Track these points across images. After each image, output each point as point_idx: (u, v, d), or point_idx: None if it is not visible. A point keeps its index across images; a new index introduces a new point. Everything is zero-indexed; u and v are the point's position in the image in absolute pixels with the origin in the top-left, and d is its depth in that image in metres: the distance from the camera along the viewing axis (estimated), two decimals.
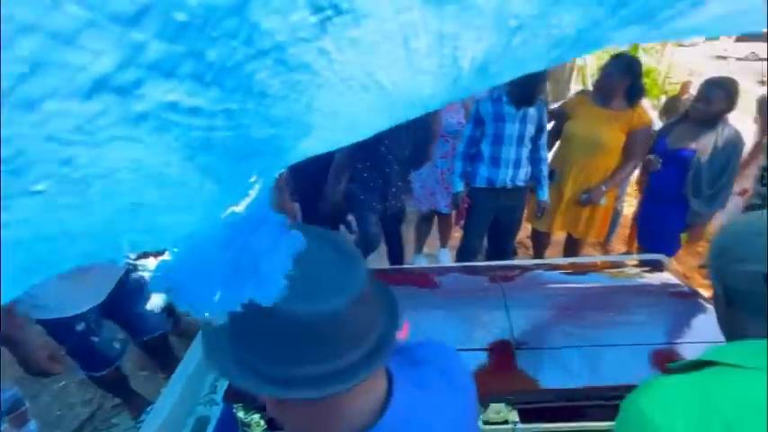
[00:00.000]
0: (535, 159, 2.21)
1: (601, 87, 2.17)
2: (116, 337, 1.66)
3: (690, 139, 2.05)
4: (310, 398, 0.42)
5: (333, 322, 0.42)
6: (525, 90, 1.99)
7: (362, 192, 2.19)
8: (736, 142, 2.03)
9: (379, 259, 2.87)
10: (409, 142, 2.13)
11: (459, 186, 2.25)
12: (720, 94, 1.93)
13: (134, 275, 1.60)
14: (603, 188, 2.23)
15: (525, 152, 2.17)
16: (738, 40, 15.19)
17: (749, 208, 2.24)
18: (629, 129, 2.14)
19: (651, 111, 3.02)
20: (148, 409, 1.46)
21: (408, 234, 2.84)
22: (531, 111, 2.10)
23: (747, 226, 0.61)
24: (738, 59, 14.10)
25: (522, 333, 1.25)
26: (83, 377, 1.76)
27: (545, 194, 2.27)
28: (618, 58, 2.17)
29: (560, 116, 2.38)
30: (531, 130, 2.13)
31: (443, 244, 3.00)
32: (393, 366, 0.52)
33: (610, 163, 2.25)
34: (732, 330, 0.62)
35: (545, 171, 2.24)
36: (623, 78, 2.10)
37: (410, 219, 2.87)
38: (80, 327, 1.46)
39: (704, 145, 2.01)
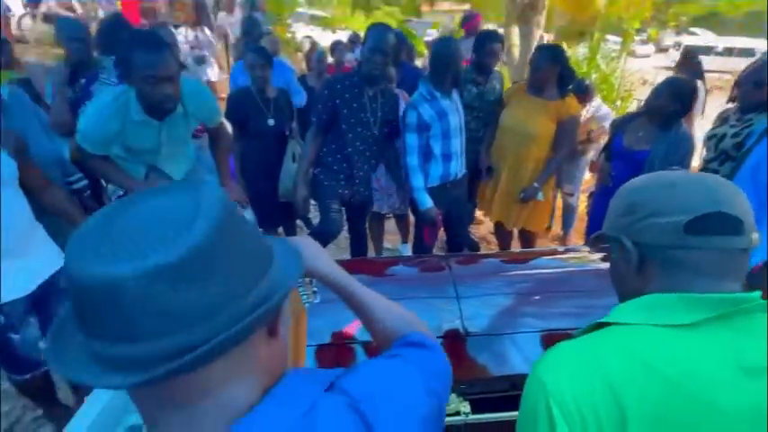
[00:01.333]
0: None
1: (531, 78, 2.21)
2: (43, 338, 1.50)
3: (645, 141, 2.11)
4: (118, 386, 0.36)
5: (126, 290, 0.33)
6: (447, 73, 2.01)
7: (327, 177, 2.15)
8: (687, 144, 2.12)
9: (341, 253, 2.82)
10: (377, 126, 2.10)
11: (429, 202, 2.13)
12: (677, 94, 2.01)
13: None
14: (536, 185, 2.28)
15: (464, 141, 2.21)
16: None
17: None
18: (558, 119, 2.19)
19: (609, 112, 3.16)
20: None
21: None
22: (455, 96, 2.15)
23: (656, 180, 0.60)
24: None
25: (472, 321, 1.23)
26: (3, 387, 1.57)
27: None
28: (543, 49, 2.23)
29: (501, 106, 2.41)
30: (461, 116, 2.17)
31: (405, 239, 2.99)
32: (296, 379, 0.43)
33: (541, 153, 2.29)
34: (633, 289, 0.60)
35: None
36: (551, 67, 2.16)
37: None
38: None
39: (659, 146, 2.07)
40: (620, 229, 0.61)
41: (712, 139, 2.21)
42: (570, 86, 2.28)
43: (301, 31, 10.63)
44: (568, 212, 3.32)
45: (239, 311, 0.37)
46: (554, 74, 2.16)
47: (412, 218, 2.55)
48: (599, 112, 3.08)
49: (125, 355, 0.35)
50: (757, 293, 0.53)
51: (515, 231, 2.69)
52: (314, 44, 6.82)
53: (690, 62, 3.61)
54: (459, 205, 2.36)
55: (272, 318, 0.42)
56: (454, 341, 1.17)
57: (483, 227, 3.48)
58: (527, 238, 2.60)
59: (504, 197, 2.40)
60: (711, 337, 0.52)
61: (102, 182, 2.05)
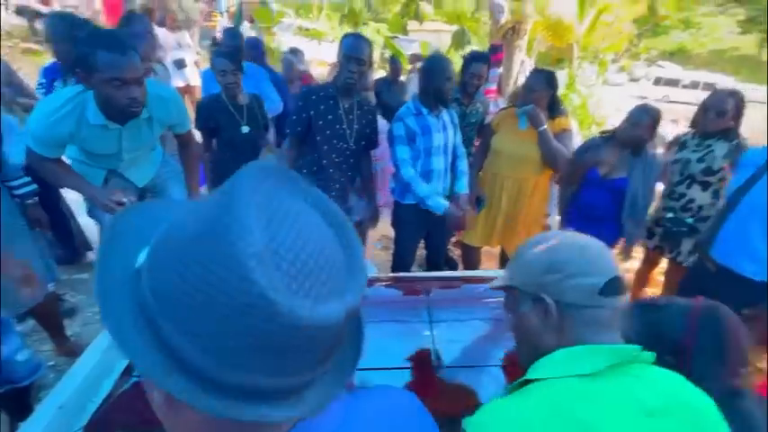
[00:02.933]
0: (456, 156, 2.23)
1: (526, 100, 2.23)
2: None
3: (623, 168, 2.12)
4: (263, 420, 0.33)
5: (326, 330, 0.34)
6: (437, 93, 2.00)
7: None
8: (660, 168, 2.19)
9: None
10: (353, 138, 2.05)
11: (444, 205, 2.06)
12: (647, 120, 2.05)
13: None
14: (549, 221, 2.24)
15: (449, 161, 2.18)
16: (655, 83, 17.21)
17: (661, 221, 2.38)
18: (553, 133, 2.19)
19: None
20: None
21: None
22: (445, 115, 2.13)
23: (570, 241, 0.67)
24: (655, 101, 15.91)
25: (445, 347, 1.16)
26: None
27: (464, 187, 2.24)
28: (539, 73, 2.26)
29: (487, 132, 2.42)
30: (452, 135, 2.15)
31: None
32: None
33: (539, 175, 2.31)
34: (544, 344, 0.65)
35: (461, 166, 2.24)
36: (545, 91, 2.19)
37: None
38: None
39: (636, 173, 2.09)
40: (542, 286, 0.65)
41: (676, 164, 2.28)
42: (559, 110, 2.30)
43: (289, 41, 10.62)
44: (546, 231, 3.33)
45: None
46: (547, 98, 2.19)
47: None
48: None
49: (280, 387, 0.34)
50: (637, 347, 0.62)
51: (483, 250, 2.66)
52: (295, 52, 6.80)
53: None
54: (439, 225, 2.30)
55: None
56: (424, 368, 1.10)
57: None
58: (508, 259, 2.57)
59: (506, 222, 2.36)
60: (615, 383, 0.58)
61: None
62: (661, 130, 4.63)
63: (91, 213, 1.87)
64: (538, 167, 2.28)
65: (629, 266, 3.42)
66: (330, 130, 2.00)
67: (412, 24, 14.46)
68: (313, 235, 0.33)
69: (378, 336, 1.21)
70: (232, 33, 3.34)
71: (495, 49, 4.73)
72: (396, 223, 2.32)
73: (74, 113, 1.41)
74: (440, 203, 2.05)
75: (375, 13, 12.81)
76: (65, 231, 2.49)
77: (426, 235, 2.36)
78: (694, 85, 16.36)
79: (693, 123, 2.27)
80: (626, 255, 2.41)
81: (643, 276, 2.65)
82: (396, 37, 12.53)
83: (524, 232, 2.42)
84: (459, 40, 10.04)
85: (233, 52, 2.41)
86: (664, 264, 2.57)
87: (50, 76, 2.12)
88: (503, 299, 0.74)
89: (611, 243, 2.34)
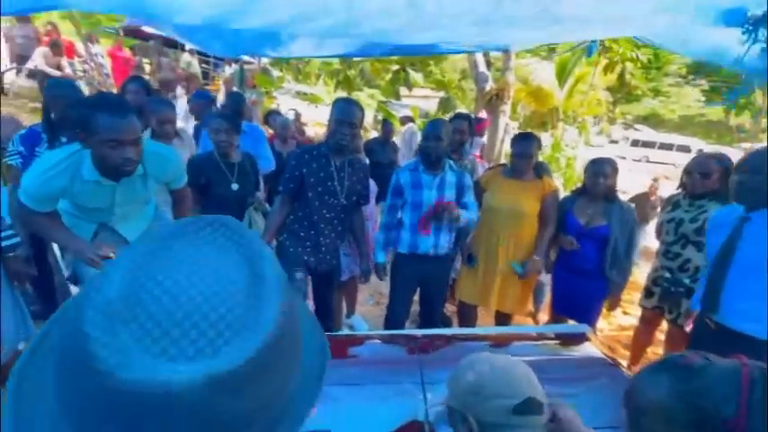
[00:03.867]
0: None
1: (515, 162, 2.33)
2: None
3: (602, 217, 2.21)
4: None
5: (180, 401, 0.26)
6: (434, 156, 2.13)
7: (292, 244, 2.06)
8: (631, 214, 2.28)
9: None
10: (344, 194, 2.08)
11: (382, 257, 2.26)
12: (611, 170, 2.22)
13: None
14: (537, 257, 2.28)
15: (446, 219, 2.20)
16: (633, 145, 18.22)
17: (659, 281, 2.38)
18: (541, 196, 2.31)
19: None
20: None
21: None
22: (449, 176, 2.20)
23: (489, 362, 0.74)
24: (634, 161, 16.71)
25: (438, 412, 1.08)
26: None
27: (473, 214, 2.26)
28: (528, 137, 2.39)
29: (477, 190, 2.50)
30: (450, 195, 2.19)
31: (351, 310, 2.83)
32: None
33: (533, 230, 2.35)
34: None
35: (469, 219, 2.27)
36: (535, 153, 2.32)
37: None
38: None
39: (614, 220, 2.18)
40: (467, 407, 0.72)
41: (670, 223, 2.32)
42: (544, 169, 2.44)
43: (287, 104, 11.23)
44: (539, 288, 3.30)
45: (268, 424, 0.31)
46: (535, 159, 2.34)
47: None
48: None
49: None
50: None
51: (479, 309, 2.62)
52: (296, 113, 7.17)
53: None
54: (434, 283, 2.30)
55: None
56: None
57: (455, 301, 3.38)
58: (504, 316, 2.52)
59: (504, 279, 2.35)
60: None
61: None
62: (661, 193, 4.90)
63: (71, 279, 1.83)
64: (532, 221, 2.32)
65: (625, 323, 3.36)
66: (321, 186, 2.04)
67: (403, 91, 15.51)
68: (197, 289, 0.28)
69: (363, 399, 1.13)
70: (234, 95, 3.54)
71: (479, 120, 5.13)
72: (389, 274, 2.31)
73: (68, 170, 1.43)
74: (378, 254, 2.28)
75: (369, 80, 13.76)
76: (46, 286, 2.40)
77: (421, 288, 2.32)
78: (668, 147, 17.37)
79: (682, 185, 2.36)
80: (612, 305, 2.38)
81: (643, 337, 2.57)
82: (388, 102, 13.36)
83: (520, 289, 2.40)
84: (446, 105, 10.76)
85: (230, 113, 2.51)
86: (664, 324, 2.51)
87: (29, 143, 2.13)
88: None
89: (600, 298, 2.32)
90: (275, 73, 10.80)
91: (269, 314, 0.29)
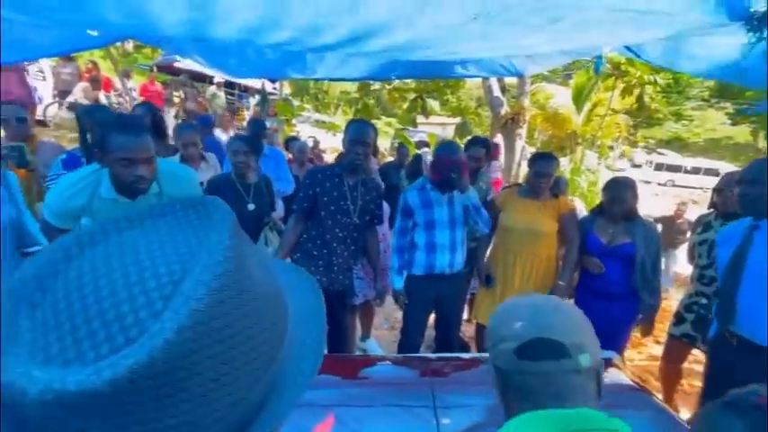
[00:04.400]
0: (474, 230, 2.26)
1: (533, 182, 2.30)
2: None
3: (625, 235, 2.12)
4: None
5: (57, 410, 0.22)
6: (440, 171, 2.09)
7: (305, 262, 2.05)
8: (655, 231, 2.18)
9: None
10: (356, 213, 2.08)
11: (399, 283, 2.15)
12: (629, 193, 2.13)
13: None
14: (562, 283, 2.21)
15: (460, 236, 2.17)
16: (657, 169, 17.78)
17: (693, 307, 2.24)
18: (558, 215, 2.25)
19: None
20: None
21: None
22: (457, 194, 2.17)
23: (502, 308, 0.67)
24: (659, 185, 16.25)
25: None
26: None
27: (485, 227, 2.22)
28: (546, 157, 2.35)
29: (493, 209, 2.47)
30: (459, 211, 2.17)
31: (367, 334, 2.76)
32: None
33: (551, 250, 2.29)
34: (507, 410, 0.62)
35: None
36: (552, 174, 2.29)
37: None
38: None
39: (638, 238, 2.10)
40: (490, 356, 0.66)
41: (703, 245, 2.20)
42: (560, 189, 2.40)
43: (307, 132, 11.60)
44: None
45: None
46: (553, 178, 2.32)
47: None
48: None
49: None
50: (596, 411, 0.56)
51: None
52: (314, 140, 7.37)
53: None
54: (450, 302, 2.23)
55: None
56: None
57: (472, 326, 3.27)
58: None
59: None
60: None
61: None
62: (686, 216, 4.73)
63: None
64: (550, 241, 2.27)
65: (657, 353, 3.14)
66: (334, 205, 2.04)
67: (420, 118, 15.80)
68: (105, 284, 0.24)
69: (373, 421, 1.08)
70: (255, 121, 3.68)
71: (495, 145, 5.27)
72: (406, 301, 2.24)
73: (87, 189, 1.50)
74: (395, 281, 2.16)
75: (386, 108, 14.11)
76: None
77: (437, 308, 2.25)
78: (696, 171, 16.85)
79: (713, 205, 2.26)
80: (646, 330, 2.23)
81: (669, 370, 2.35)
82: (405, 129, 13.62)
83: None
84: (462, 130, 10.88)
85: (250, 136, 2.60)
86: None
87: (70, 166, 2.25)
88: None
89: (628, 322, 2.19)
90: (296, 103, 11.23)
91: (169, 323, 0.22)
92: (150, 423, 0.22)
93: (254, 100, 11.31)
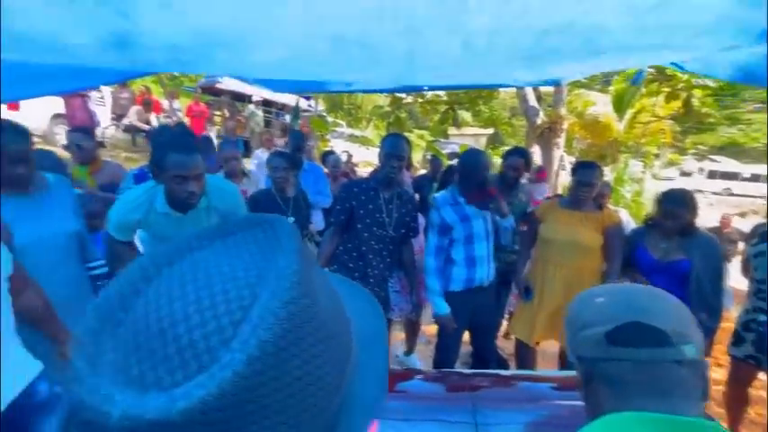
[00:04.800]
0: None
1: (576, 192, 2.21)
2: None
3: (680, 251, 1.98)
4: None
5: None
6: (472, 181, 2.05)
7: (341, 274, 2.08)
8: (716, 247, 2.00)
9: None
10: (392, 226, 2.10)
11: (445, 307, 2.04)
12: (684, 210, 1.95)
13: (44, 386, 1.19)
14: None
15: (492, 246, 2.16)
16: (710, 177, 16.57)
17: (751, 325, 2.04)
18: (603, 228, 2.14)
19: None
20: None
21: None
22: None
23: (590, 292, 0.61)
24: (714, 194, 15.13)
25: None
26: None
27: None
28: (589, 166, 2.27)
29: (533, 221, 2.39)
30: (490, 225, 2.16)
31: (411, 349, 2.73)
32: None
33: (595, 264, 2.18)
34: (593, 407, 0.56)
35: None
36: (596, 184, 2.20)
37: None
38: None
39: (694, 254, 1.94)
40: (568, 343, 0.60)
41: (759, 257, 2.02)
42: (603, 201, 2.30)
43: (340, 146, 11.88)
44: None
45: None
46: (597, 190, 2.22)
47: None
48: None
49: None
50: (715, 423, 0.49)
51: (540, 348, 2.43)
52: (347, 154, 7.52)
53: None
54: (486, 314, 2.18)
55: None
56: None
57: (511, 343, 3.15)
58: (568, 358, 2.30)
59: (558, 314, 2.18)
60: None
61: None
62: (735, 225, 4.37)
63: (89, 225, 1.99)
64: (593, 255, 2.16)
65: (718, 377, 2.88)
66: (370, 218, 2.07)
67: (452, 130, 15.73)
68: (179, 310, 0.24)
69: None
70: (295, 133, 3.82)
71: (540, 169, 5.19)
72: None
73: (144, 204, 1.63)
74: (440, 306, 2.05)
75: (418, 121, 14.18)
76: None
77: (471, 326, 2.20)
78: (755, 178, 15.55)
79: None
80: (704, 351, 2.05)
81: (736, 395, 2.15)
82: (437, 141, 13.59)
83: None
84: (494, 141, 10.73)
85: (291, 149, 2.70)
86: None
87: (141, 181, 2.44)
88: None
89: None
90: (329, 119, 11.55)
91: (238, 354, 0.23)
92: None
93: (289, 116, 11.74)
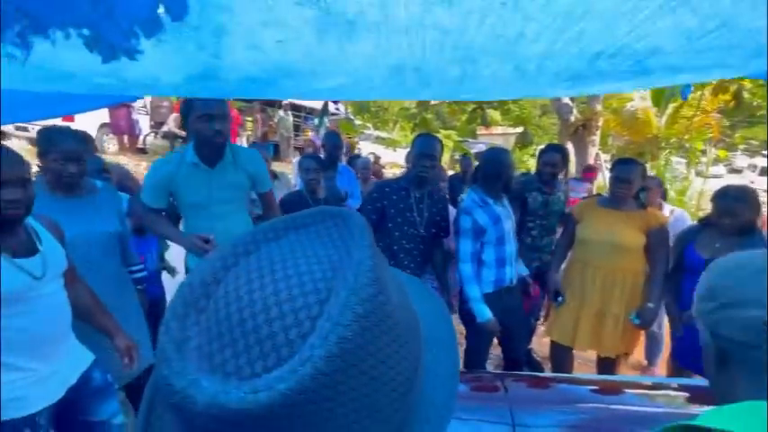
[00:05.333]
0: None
1: (616, 190, 2.12)
2: None
3: (727, 251, 1.85)
4: None
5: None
6: (498, 180, 2.03)
7: None
8: None
9: None
10: (423, 225, 2.10)
11: (488, 314, 1.97)
12: (743, 207, 1.82)
13: (97, 374, 1.28)
14: (651, 305, 2.01)
15: (515, 246, 2.14)
16: (763, 174, 15.40)
17: None
18: (647, 229, 2.04)
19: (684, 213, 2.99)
20: None
21: None
22: (506, 202, 2.14)
23: (745, 263, 0.51)
24: (766, 191, 14.05)
25: None
26: None
27: (524, 269, 2.25)
28: (631, 163, 2.17)
29: (570, 221, 2.32)
30: (514, 221, 2.15)
31: None
32: None
33: (636, 266, 2.08)
34: (725, 391, 0.50)
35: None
36: (638, 181, 2.10)
37: None
38: None
39: None
40: (700, 314, 0.52)
41: None
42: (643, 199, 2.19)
43: (368, 149, 11.97)
44: (653, 339, 2.83)
45: None
46: (637, 187, 2.11)
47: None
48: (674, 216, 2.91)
49: None
50: None
51: (577, 353, 2.34)
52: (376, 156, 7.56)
53: None
54: (515, 315, 2.14)
55: None
56: None
57: (546, 346, 3.06)
58: (608, 364, 2.21)
59: (597, 318, 2.13)
60: None
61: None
62: None
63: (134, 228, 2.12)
64: (634, 256, 2.07)
65: None
66: (401, 217, 2.08)
67: (480, 129, 15.48)
68: (262, 297, 0.25)
69: None
70: (330, 134, 3.90)
71: (589, 168, 5.05)
72: (464, 315, 2.16)
73: (175, 158, 1.75)
74: (484, 312, 1.96)
75: (444, 121, 14.06)
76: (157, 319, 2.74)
77: (501, 323, 2.15)
78: None
79: None
80: None
81: None
82: (465, 141, 13.41)
83: (621, 331, 2.10)
84: (523, 140, 10.48)
85: (329, 150, 2.78)
86: None
87: None
88: None
89: None
90: (357, 121, 11.68)
91: (318, 351, 0.23)
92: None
93: (317, 120, 11.96)
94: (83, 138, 1.60)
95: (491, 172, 2.06)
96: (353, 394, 0.24)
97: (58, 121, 6.51)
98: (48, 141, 1.47)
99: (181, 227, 1.94)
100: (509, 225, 2.07)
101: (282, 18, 0.86)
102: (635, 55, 1.10)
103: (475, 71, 1.18)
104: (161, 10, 0.79)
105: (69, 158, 1.48)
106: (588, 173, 5.10)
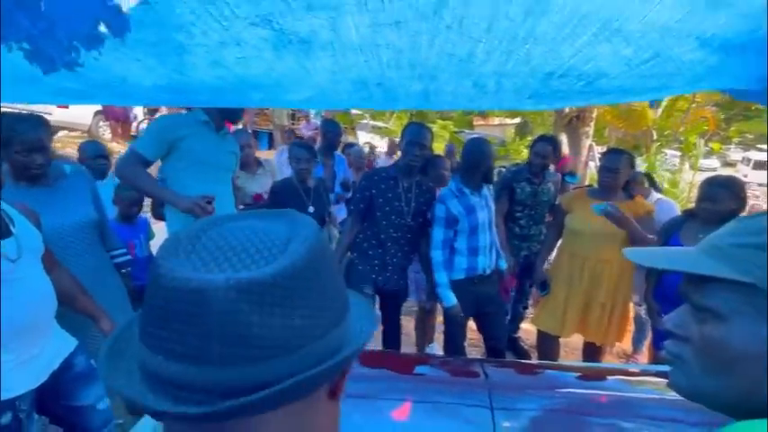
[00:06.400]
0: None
1: (605, 180, 2.14)
2: None
3: None
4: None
5: (207, 302, 0.30)
6: (477, 170, 2.05)
7: (361, 262, 2.14)
8: None
9: (372, 344, 2.61)
10: (410, 215, 2.11)
11: (452, 300, 2.03)
12: (725, 193, 1.81)
13: (81, 359, 1.28)
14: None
15: (494, 237, 2.16)
16: (756, 167, 15.52)
17: None
18: (634, 217, 2.05)
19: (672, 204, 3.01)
20: None
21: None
22: (486, 192, 2.15)
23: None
24: (760, 185, 14.16)
25: None
26: None
27: (504, 263, 2.28)
28: (619, 153, 2.19)
29: (559, 212, 2.34)
30: (491, 212, 2.15)
31: (430, 339, 2.74)
32: None
33: (623, 256, 2.10)
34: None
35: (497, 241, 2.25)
36: (626, 171, 2.12)
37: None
38: (5, 419, 1.07)
39: None
40: (749, 260, 0.39)
41: None
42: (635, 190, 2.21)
43: (364, 138, 11.89)
44: (639, 325, 2.88)
45: (318, 353, 0.33)
46: (625, 177, 2.13)
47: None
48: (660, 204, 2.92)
49: (184, 379, 0.30)
50: None
51: (564, 341, 2.39)
52: (371, 146, 7.54)
53: None
54: (490, 303, 2.17)
55: (338, 374, 0.37)
56: None
57: (532, 334, 3.11)
58: (593, 351, 2.26)
59: (585, 308, 2.16)
60: None
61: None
62: None
63: (155, 213, 2.22)
64: (623, 246, 2.09)
65: None
66: (389, 206, 2.09)
67: (477, 120, 15.42)
68: (244, 235, 0.35)
69: (426, 416, 1.07)
70: (328, 122, 3.85)
71: (559, 159, 5.03)
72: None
73: (188, 120, 1.80)
74: (448, 297, 2.04)
75: (441, 111, 13.98)
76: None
77: (477, 315, 2.20)
78: None
79: None
80: None
81: None
82: (462, 132, 13.36)
83: (607, 321, 2.13)
84: (523, 130, 10.43)
85: (326, 137, 2.79)
86: None
87: None
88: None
89: None
90: (354, 111, 11.58)
91: (299, 249, 0.33)
92: (288, 318, 0.31)
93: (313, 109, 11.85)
94: (44, 123, 1.43)
95: (470, 162, 2.07)
96: (317, 288, 0.34)
97: (55, 108, 6.39)
98: (9, 130, 1.35)
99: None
100: (484, 216, 2.08)
101: (239, 37, 0.93)
102: (585, 76, 1.18)
103: (437, 87, 1.27)
104: (102, 27, 0.86)
105: (34, 149, 1.37)
106: (560, 161, 5.07)
